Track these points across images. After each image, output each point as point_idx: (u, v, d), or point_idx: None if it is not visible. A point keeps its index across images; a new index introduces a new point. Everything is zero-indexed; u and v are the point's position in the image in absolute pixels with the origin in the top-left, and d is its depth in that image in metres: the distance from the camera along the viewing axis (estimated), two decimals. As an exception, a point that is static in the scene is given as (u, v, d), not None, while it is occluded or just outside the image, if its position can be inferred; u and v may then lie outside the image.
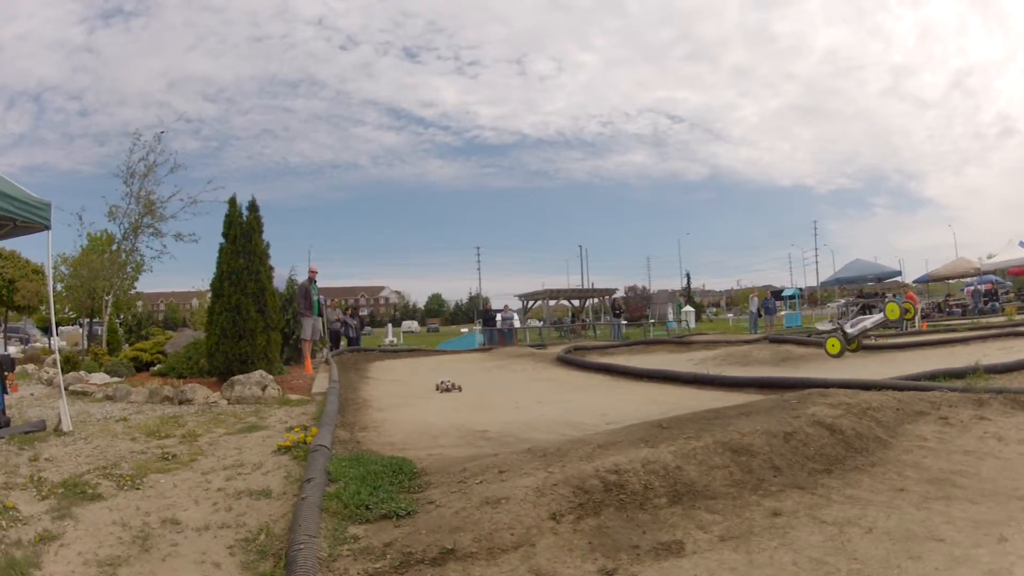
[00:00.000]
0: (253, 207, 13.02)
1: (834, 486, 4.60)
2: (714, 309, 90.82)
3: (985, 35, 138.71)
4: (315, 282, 15.63)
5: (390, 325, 55.53)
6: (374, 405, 9.86)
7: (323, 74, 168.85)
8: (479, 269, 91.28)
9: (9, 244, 20.14)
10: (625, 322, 37.50)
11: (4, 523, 4.18)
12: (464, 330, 58.45)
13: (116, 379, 12.49)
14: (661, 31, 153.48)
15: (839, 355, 13.17)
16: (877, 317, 13.74)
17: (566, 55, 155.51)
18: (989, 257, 38.07)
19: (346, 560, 3.57)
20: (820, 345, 15.62)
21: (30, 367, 15.94)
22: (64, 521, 4.29)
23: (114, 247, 20.02)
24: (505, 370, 15.34)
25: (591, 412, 8.45)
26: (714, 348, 18.14)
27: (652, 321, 40.35)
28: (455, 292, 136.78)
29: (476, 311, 43.85)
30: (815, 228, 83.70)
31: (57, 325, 12.32)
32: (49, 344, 20.76)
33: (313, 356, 15.37)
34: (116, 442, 6.75)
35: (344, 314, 23.77)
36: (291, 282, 17.11)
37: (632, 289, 65.81)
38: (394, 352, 21.30)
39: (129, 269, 20.20)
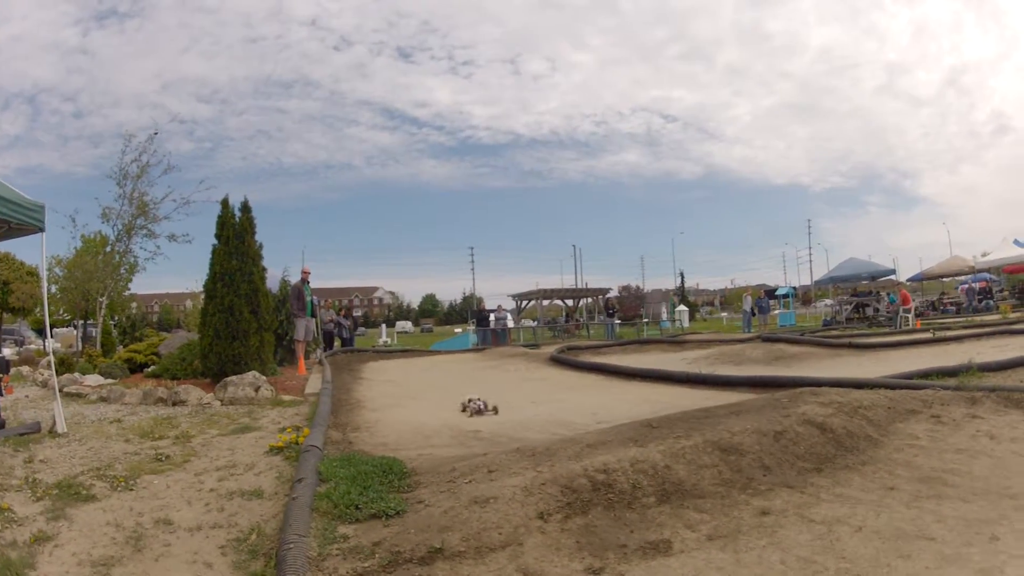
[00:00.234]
0: (246, 208, 13.00)
1: (824, 485, 4.61)
2: (708, 308, 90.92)
3: (980, 33, 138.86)
4: (308, 283, 15.62)
5: (384, 325, 55.50)
6: (367, 406, 9.87)
7: (317, 74, 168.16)
8: (473, 269, 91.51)
9: (3, 246, 20.15)
10: (619, 321, 37.59)
11: (0, 524, 4.23)
12: (458, 330, 58.41)
13: (110, 381, 12.48)
14: (656, 30, 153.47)
15: None
16: None
17: (560, 55, 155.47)
18: (984, 255, 38.23)
19: (335, 559, 3.60)
20: (813, 344, 15.63)
21: (25, 369, 15.96)
22: (59, 522, 4.34)
23: (108, 248, 20.09)
24: (498, 370, 15.33)
25: (583, 412, 8.46)
26: (707, 347, 18.08)
27: (646, 320, 40.57)
28: (449, 292, 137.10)
29: (470, 311, 43.91)
30: (809, 227, 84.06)
31: (52, 327, 12.37)
32: (44, 346, 20.78)
33: (307, 357, 15.34)
34: (110, 443, 6.79)
35: (337, 315, 23.72)
36: (284, 283, 17.09)
37: (626, 289, 66.29)
38: (388, 353, 21.25)
39: (123, 271, 20.26)
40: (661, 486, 4.45)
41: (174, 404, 9.57)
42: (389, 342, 40.46)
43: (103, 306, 19.85)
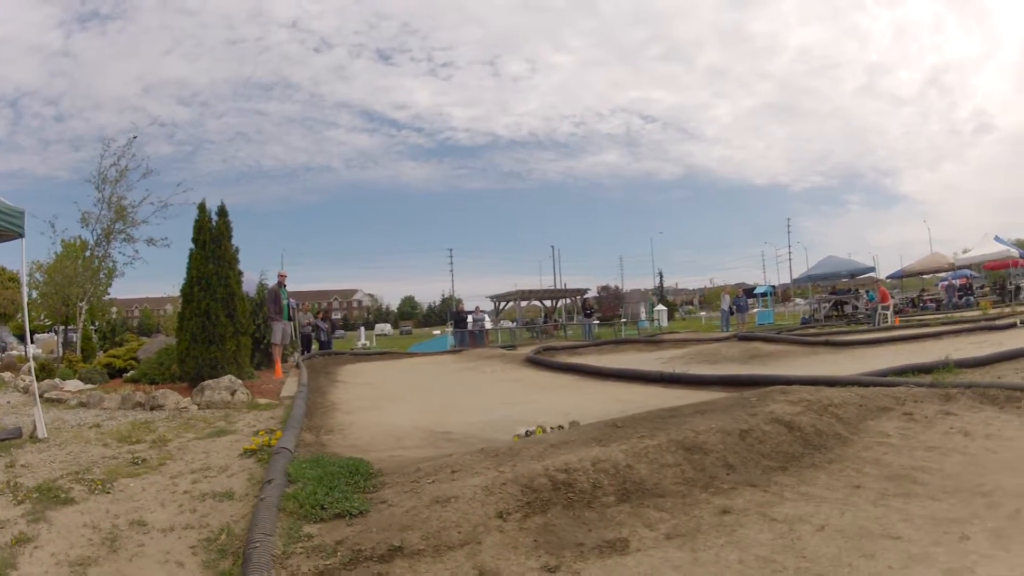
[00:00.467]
0: (223, 212, 13.14)
1: (788, 484, 4.65)
2: (688, 308, 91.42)
3: (963, 33, 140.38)
4: (285, 287, 15.72)
5: (363, 328, 55.45)
6: (342, 408, 10.00)
7: (297, 77, 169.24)
8: (452, 271, 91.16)
9: (-17, 252, 20.15)
10: (597, 322, 37.86)
11: (-18, 527, 4.36)
12: (436, 332, 58.45)
13: (90, 386, 12.57)
14: (635, 31, 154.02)
15: None
16: None
17: (540, 56, 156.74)
18: (964, 252, 38.57)
19: (299, 557, 3.71)
20: (789, 342, 15.75)
21: (7, 375, 16.02)
22: (38, 524, 4.47)
23: (87, 253, 20.08)
24: (474, 371, 15.51)
25: (555, 412, 8.37)
26: (683, 347, 18.28)
27: (624, 321, 40.75)
28: (428, 294, 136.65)
29: (449, 313, 43.88)
30: (788, 226, 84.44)
31: (32, 333, 12.44)
32: (25, 352, 20.78)
33: (285, 360, 15.43)
34: (89, 448, 6.92)
35: (315, 318, 23.79)
36: (261, 287, 17.14)
37: (605, 289, 66.20)
38: (365, 355, 21.39)
39: (102, 275, 20.25)
40: (622, 485, 4.51)
41: (152, 408, 9.65)
42: (368, 345, 40.44)
43: (83, 311, 19.84)
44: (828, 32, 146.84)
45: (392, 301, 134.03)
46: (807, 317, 34.89)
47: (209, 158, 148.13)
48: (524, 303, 43.00)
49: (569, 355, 18.04)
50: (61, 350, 21.22)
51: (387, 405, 10.48)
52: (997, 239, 33.89)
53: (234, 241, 12.88)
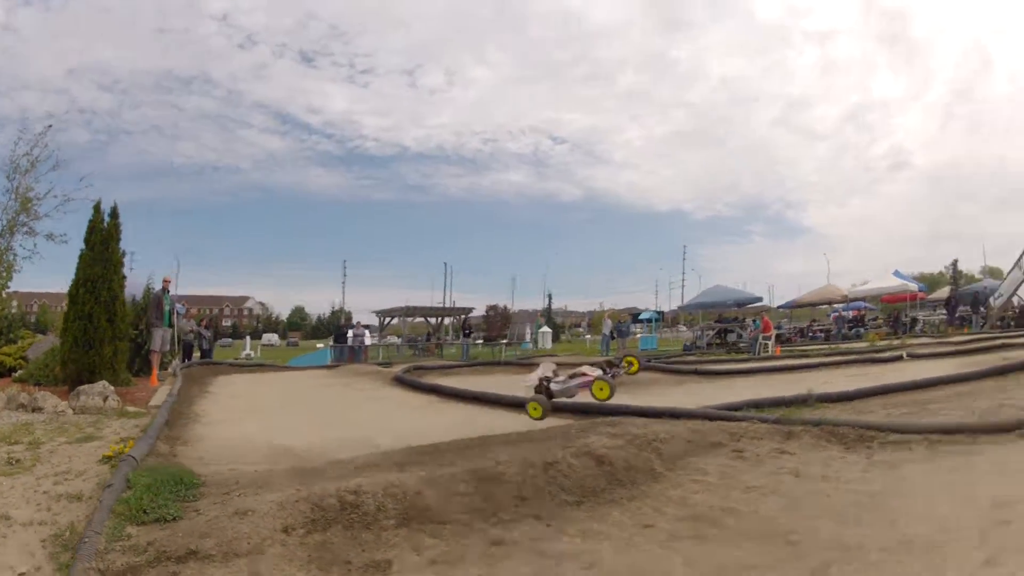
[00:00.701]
0: (114, 213, 13.46)
1: (577, 519, 4.72)
2: (574, 330, 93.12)
3: (890, 73, 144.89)
4: (168, 292, 16.01)
5: (248, 338, 54.62)
6: (202, 420, 10.27)
7: (217, 73, 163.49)
8: (344, 283, 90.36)
9: None
10: (480, 342, 39.06)
11: None
12: (320, 345, 58.11)
13: (-23, 386, 12.49)
14: (560, 51, 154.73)
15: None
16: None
17: (460, 69, 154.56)
18: (864, 284, 40.80)
19: (116, 553, 4.18)
20: (659, 370, 15.39)
21: None
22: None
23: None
24: (346, 388, 15.64)
25: (395, 434, 8.41)
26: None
27: (505, 342, 41.94)
28: (319, 305, 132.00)
29: (334, 326, 44.36)
30: (684, 252, 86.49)
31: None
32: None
33: (164, 367, 15.73)
34: (-30, 447, 7.17)
35: (198, 325, 23.70)
36: (148, 290, 17.38)
37: (493, 308, 67.11)
38: (242, 367, 21.42)
39: (0, 269, 20.29)
40: (406, 510, 4.77)
41: (33, 410, 9.87)
42: (251, 355, 40.11)
43: (-21, 306, 19.82)
44: (751, 63, 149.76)
45: (283, 311, 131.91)
46: (689, 344, 36.04)
47: (123, 150, 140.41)
48: (410, 319, 43.16)
49: (439, 375, 17.94)
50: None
51: (248, 419, 10.67)
52: (896, 273, 36.13)
53: (136, 240, 13.38)
